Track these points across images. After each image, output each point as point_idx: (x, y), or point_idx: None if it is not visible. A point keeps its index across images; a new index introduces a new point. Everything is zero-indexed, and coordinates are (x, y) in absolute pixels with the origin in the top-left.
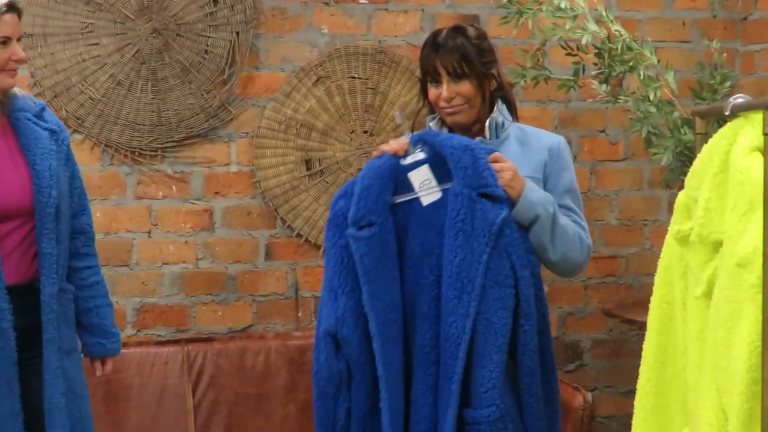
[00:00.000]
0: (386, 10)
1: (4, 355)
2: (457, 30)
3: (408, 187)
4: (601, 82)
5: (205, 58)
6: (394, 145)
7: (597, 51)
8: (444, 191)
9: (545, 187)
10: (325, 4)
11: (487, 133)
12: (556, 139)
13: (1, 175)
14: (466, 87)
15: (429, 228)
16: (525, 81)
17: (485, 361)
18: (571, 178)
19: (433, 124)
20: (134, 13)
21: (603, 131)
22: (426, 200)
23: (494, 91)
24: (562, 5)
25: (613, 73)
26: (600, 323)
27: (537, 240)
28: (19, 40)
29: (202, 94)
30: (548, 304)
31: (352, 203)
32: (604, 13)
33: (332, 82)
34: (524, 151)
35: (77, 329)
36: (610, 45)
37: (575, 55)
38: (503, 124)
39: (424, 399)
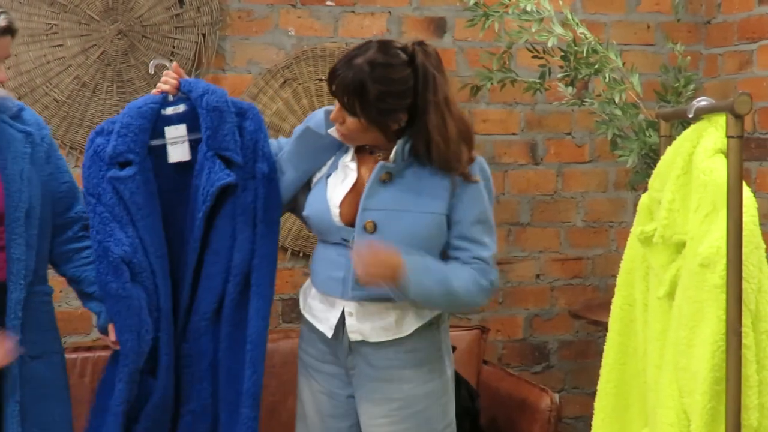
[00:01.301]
0: (353, 12)
1: None
2: (373, 65)
3: (164, 134)
4: (566, 85)
5: (171, 60)
6: (166, 86)
7: (563, 54)
8: (195, 143)
9: (451, 217)
10: (292, 5)
11: (392, 156)
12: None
13: None
14: (353, 124)
15: (181, 175)
16: (491, 83)
17: (199, 304)
18: (481, 210)
19: (322, 115)
20: (99, 14)
21: (569, 134)
22: (174, 156)
23: (411, 121)
24: (528, 8)
25: (579, 76)
26: (566, 325)
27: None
28: (4, 61)
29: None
30: (514, 306)
31: (111, 140)
32: (569, 16)
33: (299, 84)
34: (425, 180)
35: (87, 304)
36: (575, 48)
37: (541, 57)
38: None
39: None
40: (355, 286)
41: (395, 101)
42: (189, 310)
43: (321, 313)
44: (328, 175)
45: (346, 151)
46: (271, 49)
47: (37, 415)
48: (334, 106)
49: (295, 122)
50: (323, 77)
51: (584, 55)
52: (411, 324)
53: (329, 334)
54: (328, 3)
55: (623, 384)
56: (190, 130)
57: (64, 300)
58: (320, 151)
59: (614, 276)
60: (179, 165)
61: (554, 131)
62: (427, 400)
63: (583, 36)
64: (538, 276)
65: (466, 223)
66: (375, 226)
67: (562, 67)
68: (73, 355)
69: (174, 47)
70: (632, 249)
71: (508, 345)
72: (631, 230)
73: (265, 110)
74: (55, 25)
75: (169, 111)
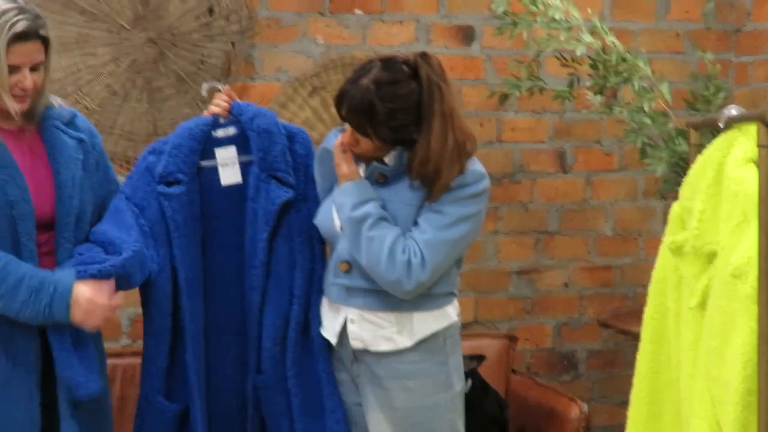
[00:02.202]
0: (381, 20)
1: (28, 363)
2: (379, 84)
3: (214, 156)
4: (595, 93)
5: (200, 68)
6: (218, 108)
7: (591, 62)
8: (245, 166)
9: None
10: (320, 14)
11: (388, 159)
12: None
13: (34, 188)
14: (367, 144)
15: (230, 197)
16: (520, 92)
17: (267, 331)
18: (443, 205)
19: (335, 133)
20: (130, 23)
21: (598, 142)
22: (225, 178)
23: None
24: (557, 16)
25: (608, 84)
26: (595, 334)
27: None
28: (37, 68)
29: (198, 104)
30: (542, 314)
31: (162, 159)
32: (598, 25)
33: (327, 92)
34: (409, 191)
35: None
36: (604, 56)
37: (570, 66)
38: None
39: (226, 359)
40: (337, 272)
41: (405, 116)
42: (258, 338)
43: (327, 321)
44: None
45: (359, 164)
46: (300, 57)
47: (87, 422)
48: (345, 129)
49: (324, 130)
50: None
51: (613, 63)
52: (413, 336)
53: (334, 340)
54: (357, 11)
55: (656, 393)
56: (239, 153)
57: None
58: None
59: (643, 285)
60: (227, 189)
61: (583, 139)
62: (431, 413)
63: (612, 44)
64: (566, 285)
65: (425, 207)
66: None
67: (590, 76)
68: None
69: (203, 56)
70: (664, 258)
71: (537, 354)
72: (663, 239)
73: (294, 119)
74: (87, 33)
75: (220, 133)
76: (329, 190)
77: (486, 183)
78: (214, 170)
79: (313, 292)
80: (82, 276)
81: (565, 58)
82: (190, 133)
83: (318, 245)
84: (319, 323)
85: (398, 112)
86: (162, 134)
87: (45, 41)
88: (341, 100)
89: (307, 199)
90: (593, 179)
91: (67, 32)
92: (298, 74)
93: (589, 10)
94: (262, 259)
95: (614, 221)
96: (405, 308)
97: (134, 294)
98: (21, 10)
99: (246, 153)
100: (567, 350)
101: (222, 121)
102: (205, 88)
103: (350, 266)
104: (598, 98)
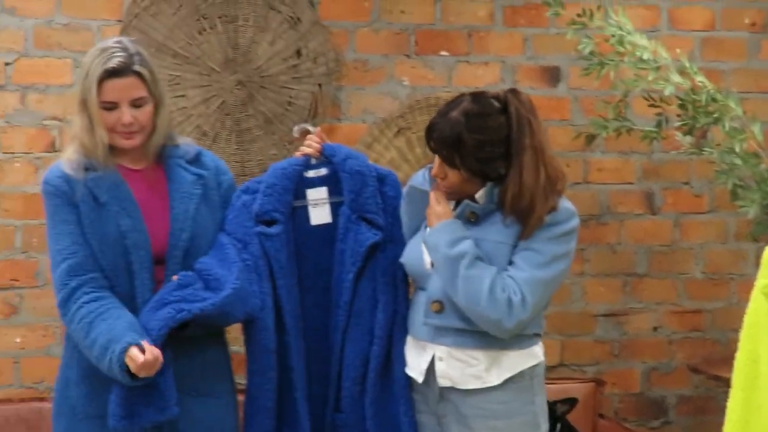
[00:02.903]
0: (467, 61)
1: None
2: (468, 116)
3: (305, 196)
4: (684, 134)
5: (288, 110)
6: (310, 149)
7: (680, 102)
8: (335, 206)
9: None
10: (406, 56)
11: (478, 196)
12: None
13: (149, 222)
14: (455, 177)
15: (319, 237)
16: (607, 132)
17: (347, 370)
18: (537, 243)
19: (423, 172)
20: (220, 65)
21: (687, 183)
22: (315, 218)
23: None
24: (645, 56)
25: (697, 125)
26: (685, 379)
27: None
28: (140, 105)
29: (285, 145)
30: (630, 359)
31: (257, 198)
32: (687, 65)
33: (413, 133)
34: (504, 227)
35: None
36: (693, 96)
37: (658, 106)
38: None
39: (309, 397)
40: (428, 313)
41: (493, 149)
42: (338, 376)
43: (412, 359)
44: (427, 225)
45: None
46: (386, 98)
47: None
48: (434, 163)
49: (409, 171)
50: None
51: (703, 103)
52: (501, 374)
53: (420, 379)
54: (443, 53)
55: None
56: (330, 193)
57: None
58: (426, 207)
59: (735, 330)
60: (315, 230)
61: (671, 180)
62: None
63: (701, 84)
64: (655, 329)
65: (520, 246)
66: None
67: (679, 116)
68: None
69: (291, 97)
70: (756, 302)
71: (625, 398)
72: (755, 283)
73: (380, 159)
74: (178, 76)
75: (311, 174)
76: (416, 228)
77: (577, 221)
78: (305, 210)
79: (396, 333)
80: (185, 316)
81: (653, 98)
82: (284, 173)
83: (402, 285)
84: (402, 365)
85: (486, 144)
86: (250, 175)
87: (143, 78)
88: (431, 131)
89: (393, 240)
90: (682, 221)
91: (160, 74)
92: (384, 115)
93: (678, 50)
94: (347, 299)
95: (704, 264)
96: (494, 347)
97: (231, 332)
98: (120, 48)
99: (337, 194)
100: (656, 395)
101: (313, 161)
102: (296, 129)
103: (442, 306)
104: (688, 139)
